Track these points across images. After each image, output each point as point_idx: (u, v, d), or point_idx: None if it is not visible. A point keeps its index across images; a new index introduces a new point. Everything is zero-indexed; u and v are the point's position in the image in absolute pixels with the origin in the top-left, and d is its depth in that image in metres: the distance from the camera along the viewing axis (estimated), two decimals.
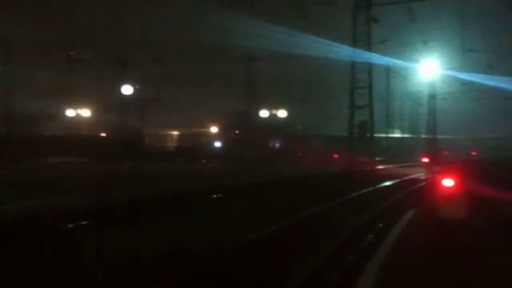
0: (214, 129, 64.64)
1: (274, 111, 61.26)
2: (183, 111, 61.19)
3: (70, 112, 54.26)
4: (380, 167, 46.39)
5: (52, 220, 11.90)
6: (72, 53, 52.69)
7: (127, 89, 46.45)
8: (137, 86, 46.69)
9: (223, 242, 9.66)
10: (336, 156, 53.96)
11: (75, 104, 54.15)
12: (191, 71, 55.25)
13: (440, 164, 26.10)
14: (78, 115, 54.25)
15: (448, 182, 11.88)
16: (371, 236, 10.65)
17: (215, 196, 18.78)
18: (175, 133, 62.61)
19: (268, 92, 62.91)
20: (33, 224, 11.48)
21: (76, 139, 51.94)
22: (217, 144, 61.53)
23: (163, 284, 6.98)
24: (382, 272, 7.74)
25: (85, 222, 11.80)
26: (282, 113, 61.34)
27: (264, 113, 60.74)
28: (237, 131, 60.99)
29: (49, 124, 55.75)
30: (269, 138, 60.57)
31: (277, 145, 57.82)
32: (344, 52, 44.83)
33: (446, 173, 12.15)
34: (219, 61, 56.38)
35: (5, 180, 24.34)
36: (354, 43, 44.29)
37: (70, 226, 11.58)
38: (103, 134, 59.67)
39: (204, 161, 51.79)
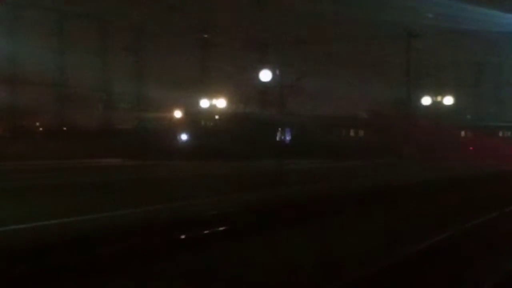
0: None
1: (438, 98, 50.38)
2: (329, 97, 52.13)
3: (204, 103, 46.23)
4: None
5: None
6: (206, 36, 45.04)
7: (265, 75, 37.92)
8: (277, 71, 38.06)
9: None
10: None
11: (210, 93, 46.28)
12: (339, 53, 45.80)
13: None
14: (213, 106, 46.13)
15: None
16: None
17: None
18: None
19: (432, 76, 53.02)
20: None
21: None
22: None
23: None
24: None
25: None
26: (448, 100, 50.26)
27: (426, 100, 50.05)
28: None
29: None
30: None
31: (288, 138, 48.08)
32: None
33: None
34: (371, 40, 46.42)
35: None
36: None
37: None
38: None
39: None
